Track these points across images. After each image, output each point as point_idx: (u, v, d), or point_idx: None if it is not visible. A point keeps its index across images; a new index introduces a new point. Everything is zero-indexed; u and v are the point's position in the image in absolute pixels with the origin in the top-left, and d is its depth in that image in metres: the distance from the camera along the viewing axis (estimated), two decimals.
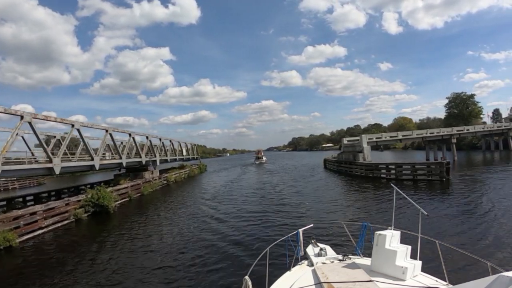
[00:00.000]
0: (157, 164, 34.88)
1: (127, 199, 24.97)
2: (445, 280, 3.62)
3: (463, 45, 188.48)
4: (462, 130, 40.70)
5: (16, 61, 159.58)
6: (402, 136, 33.69)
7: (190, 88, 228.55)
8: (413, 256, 3.92)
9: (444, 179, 22.63)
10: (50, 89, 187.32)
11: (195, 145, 58.18)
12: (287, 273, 4.34)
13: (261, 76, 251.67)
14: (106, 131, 24.95)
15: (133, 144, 30.85)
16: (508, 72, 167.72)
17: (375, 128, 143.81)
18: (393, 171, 25.77)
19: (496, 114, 78.18)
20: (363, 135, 31.25)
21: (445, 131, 37.12)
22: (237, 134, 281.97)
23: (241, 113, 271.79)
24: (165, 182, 35.20)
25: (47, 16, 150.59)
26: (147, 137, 32.94)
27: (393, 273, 3.61)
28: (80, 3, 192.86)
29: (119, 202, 23.42)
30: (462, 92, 62.72)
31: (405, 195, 4.69)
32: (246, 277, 3.58)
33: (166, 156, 38.44)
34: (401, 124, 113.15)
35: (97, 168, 23.14)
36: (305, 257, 4.89)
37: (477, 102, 62.40)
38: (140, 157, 30.90)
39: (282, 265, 5.34)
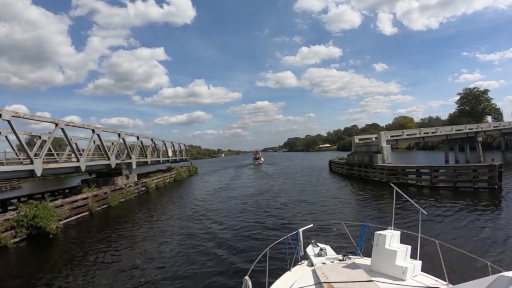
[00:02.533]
0: (133, 168, 28.94)
1: (85, 213, 19.24)
2: (445, 280, 3.58)
3: (458, 46, 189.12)
4: (488, 127, 35.54)
5: (10, 61, 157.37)
6: (425, 133, 28.48)
7: (185, 88, 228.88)
8: (413, 256, 3.86)
9: (496, 186, 17.37)
10: (44, 89, 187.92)
11: (185, 145, 52.26)
12: (287, 273, 4.26)
13: (256, 77, 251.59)
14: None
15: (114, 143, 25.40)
16: (502, 72, 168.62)
17: (373, 128, 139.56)
18: (426, 177, 20.35)
19: (497, 114, 73.80)
20: (382, 132, 25.84)
21: (472, 127, 32.01)
22: (232, 135, 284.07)
23: (236, 114, 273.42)
24: (143, 189, 29.34)
25: (41, 15, 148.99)
26: (119, 135, 27.02)
27: (393, 273, 3.56)
28: (74, 2, 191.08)
29: (73, 218, 17.94)
30: (475, 88, 57.95)
31: (406, 196, 4.55)
32: (246, 277, 3.51)
33: (146, 157, 32.50)
34: (401, 123, 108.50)
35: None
36: (305, 257, 4.78)
37: (490, 98, 57.76)
38: (108, 159, 24.97)
39: (282, 265, 5.60)
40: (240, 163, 79.87)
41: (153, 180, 32.51)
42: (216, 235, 12.36)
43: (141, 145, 32.45)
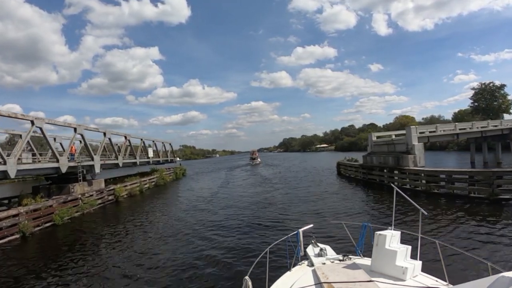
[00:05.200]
0: (96, 172, 22.89)
1: (13, 237, 13.55)
2: (445, 280, 3.57)
3: (453, 47, 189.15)
4: None
5: (3, 60, 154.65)
6: (460, 129, 23.09)
7: (179, 88, 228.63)
8: (413, 256, 3.84)
9: None
10: (38, 89, 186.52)
11: (170, 144, 46.14)
12: (287, 273, 4.23)
13: (251, 77, 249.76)
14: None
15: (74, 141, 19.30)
16: (497, 73, 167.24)
17: (371, 128, 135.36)
18: (484, 186, 14.84)
19: None
20: (412, 126, 20.29)
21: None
22: (227, 135, 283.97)
23: (231, 114, 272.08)
24: (110, 198, 23.33)
25: (34, 13, 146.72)
26: (75, 129, 21.00)
27: (393, 273, 3.53)
28: (67, 0, 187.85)
29: None
30: (491, 82, 52.91)
31: (406, 197, 4.27)
32: (246, 277, 3.45)
33: (116, 159, 26.43)
34: (403, 123, 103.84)
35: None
36: (305, 257, 4.73)
37: (507, 94, 52.76)
38: (57, 161, 18.94)
39: (282, 265, 5.60)
40: (234, 164, 74.34)
41: (125, 186, 26.47)
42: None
43: (110, 143, 26.40)
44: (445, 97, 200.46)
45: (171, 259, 9.62)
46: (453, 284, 3.19)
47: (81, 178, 21.19)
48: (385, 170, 21.14)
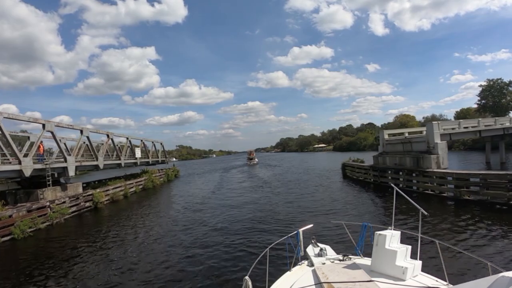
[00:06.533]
0: (70, 175, 19.91)
1: None
2: (445, 280, 3.55)
3: (450, 47, 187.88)
4: None
5: None
6: (486, 126, 20.43)
7: (175, 88, 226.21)
8: (413, 256, 3.81)
9: None
10: (34, 89, 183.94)
11: (161, 144, 43.10)
12: (287, 273, 4.20)
13: (248, 77, 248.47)
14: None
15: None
16: (494, 74, 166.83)
17: (369, 127, 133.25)
18: None
19: None
20: (434, 122, 17.57)
21: None
22: (224, 135, 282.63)
23: (228, 114, 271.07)
24: (87, 204, 20.41)
25: (30, 13, 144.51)
26: (43, 126, 18.03)
27: (393, 273, 3.52)
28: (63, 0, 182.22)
29: None
30: (499, 79, 50.47)
31: (406, 197, 4.26)
32: (247, 277, 3.40)
33: (96, 160, 23.40)
34: (403, 122, 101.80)
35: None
36: (305, 257, 4.69)
37: None
38: (19, 162, 15.96)
39: (282, 265, 5.49)
40: (230, 165, 71.68)
41: (107, 190, 23.52)
42: None
43: (89, 142, 23.40)
44: (441, 97, 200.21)
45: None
46: (453, 284, 3.16)
47: (50, 182, 18.26)
48: (403, 173, 18.43)
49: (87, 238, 13.23)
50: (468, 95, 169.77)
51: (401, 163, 19.15)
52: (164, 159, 42.96)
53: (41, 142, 18.96)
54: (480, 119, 21.10)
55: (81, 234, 14.10)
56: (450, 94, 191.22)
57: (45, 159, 19.39)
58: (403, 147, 19.97)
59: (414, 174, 17.69)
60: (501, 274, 2.10)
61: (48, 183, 18.16)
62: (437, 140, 17.17)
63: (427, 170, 16.66)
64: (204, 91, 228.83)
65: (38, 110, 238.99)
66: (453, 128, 18.80)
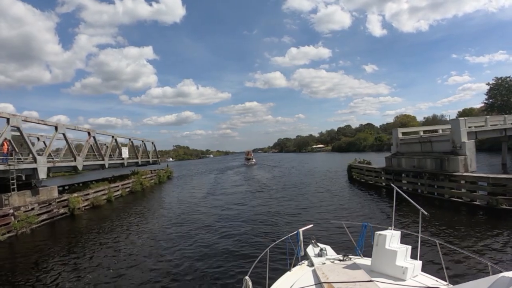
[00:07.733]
0: (40, 177, 17.28)
1: None
2: (445, 280, 3.50)
3: (448, 48, 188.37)
4: None
5: None
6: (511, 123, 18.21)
7: (173, 88, 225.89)
8: (413, 256, 3.78)
9: None
10: (31, 88, 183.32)
11: (153, 143, 40.46)
12: (287, 273, 4.16)
13: (245, 77, 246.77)
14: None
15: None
16: (491, 75, 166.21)
17: (368, 128, 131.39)
18: None
19: None
20: (461, 118, 15.22)
21: None
22: (221, 136, 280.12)
23: (225, 114, 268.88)
24: (62, 211, 17.85)
25: (27, 12, 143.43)
26: (7, 120, 15.45)
27: (393, 273, 3.48)
28: None
29: None
30: (508, 77, 48.35)
31: (406, 197, 4.23)
32: (247, 277, 3.36)
33: (74, 160, 20.73)
34: (404, 122, 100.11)
35: None
36: (305, 257, 4.65)
37: None
38: None
39: (282, 265, 5.52)
40: (227, 165, 69.25)
41: (87, 195, 20.92)
42: None
43: (65, 143, 20.74)
44: (439, 98, 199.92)
45: None
46: (453, 284, 3.16)
47: (15, 186, 15.68)
48: (423, 177, 16.00)
49: (54, 253, 10.96)
50: (466, 96, 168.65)
51: (421, 166, 16.76)
52: (155, 159, 40.33)
53: (5, 139, 16.33)
54: (506, 116, 18.79)
55: (49, 248, 11.77)
56: (447, 95, 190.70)
57: (10, 159, 16.80)
58: (422, 147, 17.59)
59: (442, 179, 15.19)
60: (501, 274, 2.06)
61: (12, 186, 15.60)
62: (464, 139, 14.80)
63: (454, 173, 14.27)
64: (201, 91, 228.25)
65: (35, 110, 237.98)
66: (480, 126, 16.46)
